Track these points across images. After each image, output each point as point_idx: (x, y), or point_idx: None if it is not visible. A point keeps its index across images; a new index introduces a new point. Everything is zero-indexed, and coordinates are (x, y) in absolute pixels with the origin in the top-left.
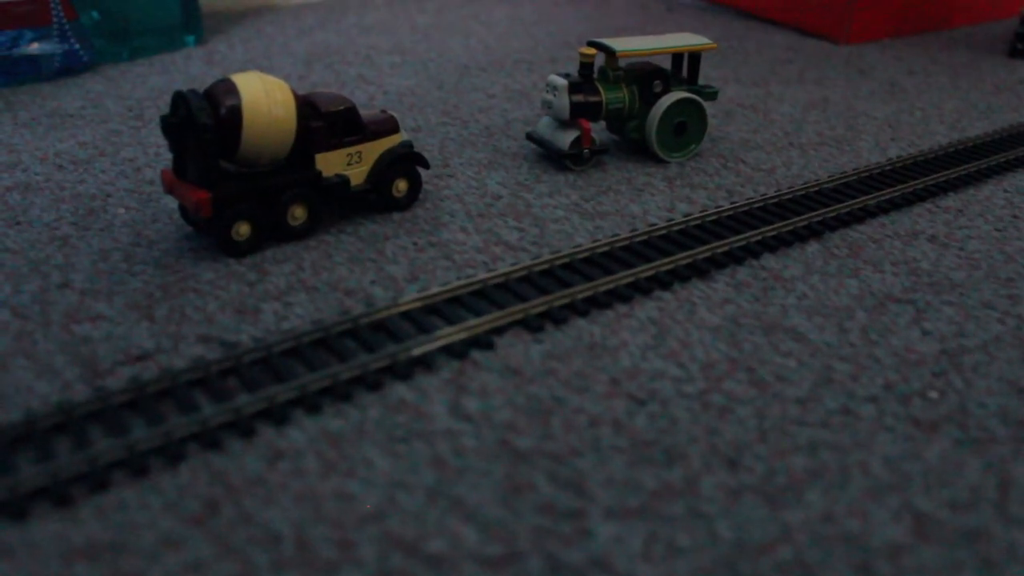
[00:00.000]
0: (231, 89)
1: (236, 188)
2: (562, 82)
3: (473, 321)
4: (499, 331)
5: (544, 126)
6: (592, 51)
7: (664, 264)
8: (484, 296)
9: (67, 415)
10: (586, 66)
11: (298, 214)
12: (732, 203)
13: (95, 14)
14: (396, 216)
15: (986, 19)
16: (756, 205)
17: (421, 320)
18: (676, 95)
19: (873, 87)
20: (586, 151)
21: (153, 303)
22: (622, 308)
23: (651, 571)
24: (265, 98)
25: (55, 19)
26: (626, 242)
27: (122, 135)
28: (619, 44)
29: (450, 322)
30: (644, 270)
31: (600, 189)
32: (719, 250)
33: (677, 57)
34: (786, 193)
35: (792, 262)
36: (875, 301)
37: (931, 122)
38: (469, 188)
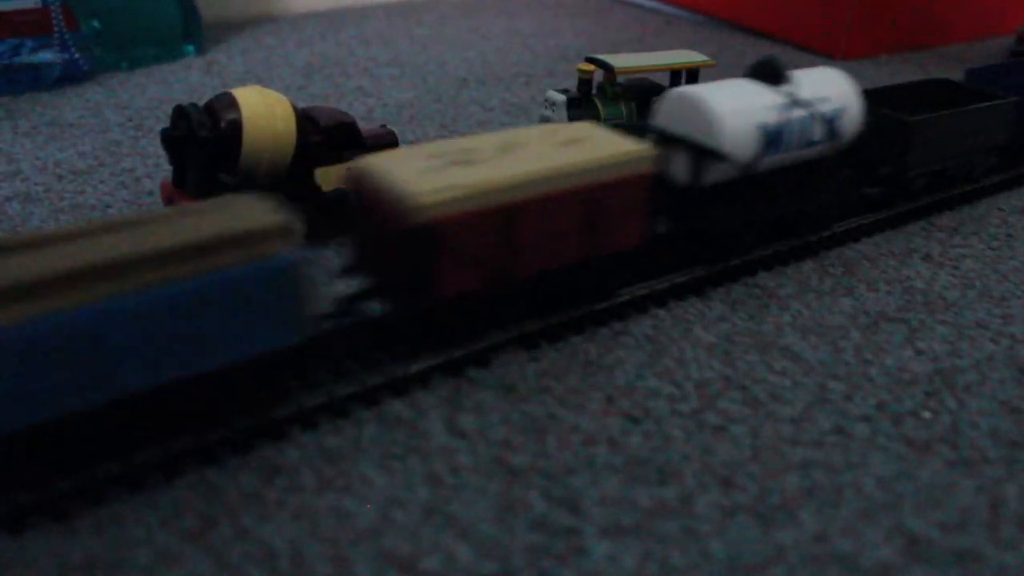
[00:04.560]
0: (231, 103)
1: None
2: (560, 98)
3: (469, 338)
4: (495, 348)
5: None
6: (591, 67)
7: (660, 281)
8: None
9: (65, 429)
10: (584, 82)
11: None
12: None
13: (96, 23)
14: None
15: (981, 36)
16: None
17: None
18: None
19: None
20: None
21: None
22: (618, 325)
23: None
24: (265, 112)
25: (56, 28)
26: None
27: (121, 145)
28: (617, 60)
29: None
30: (640, 287)
31: None
32: (714, 268)
33: (675, 74)
34: None
35: (787, 280)
36: (869, 320)
37: None
38: None
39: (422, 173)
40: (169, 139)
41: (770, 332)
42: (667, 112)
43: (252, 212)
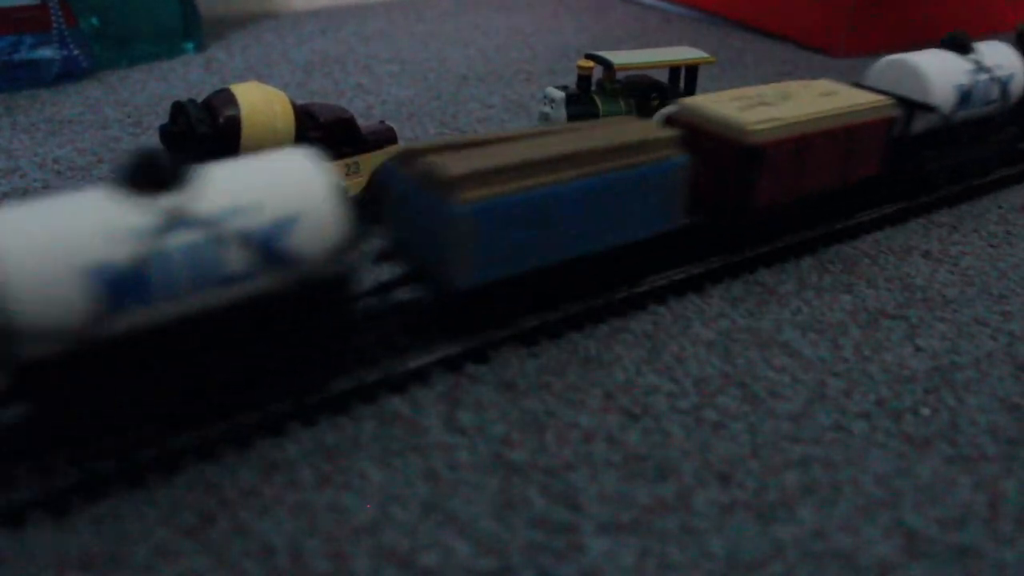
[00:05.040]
0: (230, 100)
1: None
2: (560, 94)
3: (468, 334)
4: (494, 344)
5: None
6: (590, 64)
7: (659, 278)
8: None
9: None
10: (584, 79)
11: None
12: None
13: (95, 20)
14: None
15: (981, 34)
16: None
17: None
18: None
19: None
20: None
21: None
22: (617, 322)
23: None
24: (264, 109)
25: (55, 25)
26: None
27: (121, 142)
28: (617, 57)
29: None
30: (639, 284)
31: None
32: (714, 264)
33: (675, 71)
34: None
35: (787, 277)
36: (869, 317)
37: None
38: None
39: (741, 110)
40: (168, 135)
41: (769, 329)
42: (879, 74)
43: (648, 127)
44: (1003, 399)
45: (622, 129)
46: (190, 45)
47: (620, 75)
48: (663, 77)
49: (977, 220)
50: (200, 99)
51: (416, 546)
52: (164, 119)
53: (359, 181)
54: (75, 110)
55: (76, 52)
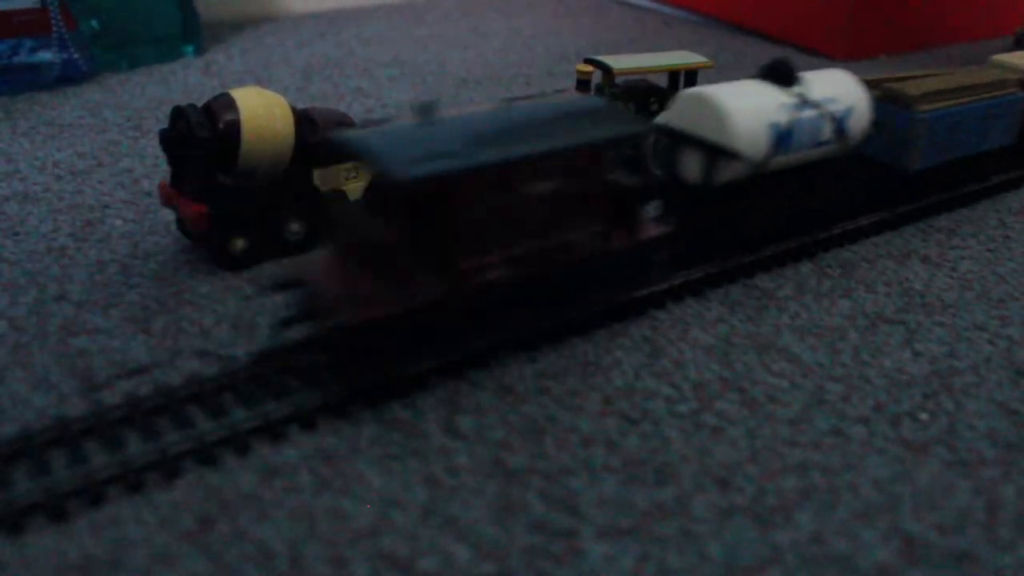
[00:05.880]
0: (230, 104)
1: (233, 202)
2: None
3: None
4: (493, 349)
5: None
6: (589, 68)
7: (658, 283)
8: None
9: (63, 429)
10: (583, 83)
11: (295, 228)
12: None
13: (95, 23)
14: None
15: (981, 37)
16: None
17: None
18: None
19: None
20: None
21: (149, 316)
22: (616, 327)
23: None
24: (264, 113)
25: (55, 28)
26: None
27: (120, 145)
28: (616, 62)
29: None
30: (638, 289)
31: None
32: (712, 269)
33: (674, 75)
34: None
35: (785, 281)
36: (867, 321)
37: None
38: None
39: None
40: (168, 140)
41: (768, 333)
42: None
43: (1000, 72)
44: (1001, 404)
45: (987, 72)
46: (189, 48)
47: (619, 79)
48: (662, 82)
49: (975, 224)
50: (200, 103)
51: (415, 551)
52: (164, 122)
53: (358, 185)
54: (75, 113)
55: (76, 55)
